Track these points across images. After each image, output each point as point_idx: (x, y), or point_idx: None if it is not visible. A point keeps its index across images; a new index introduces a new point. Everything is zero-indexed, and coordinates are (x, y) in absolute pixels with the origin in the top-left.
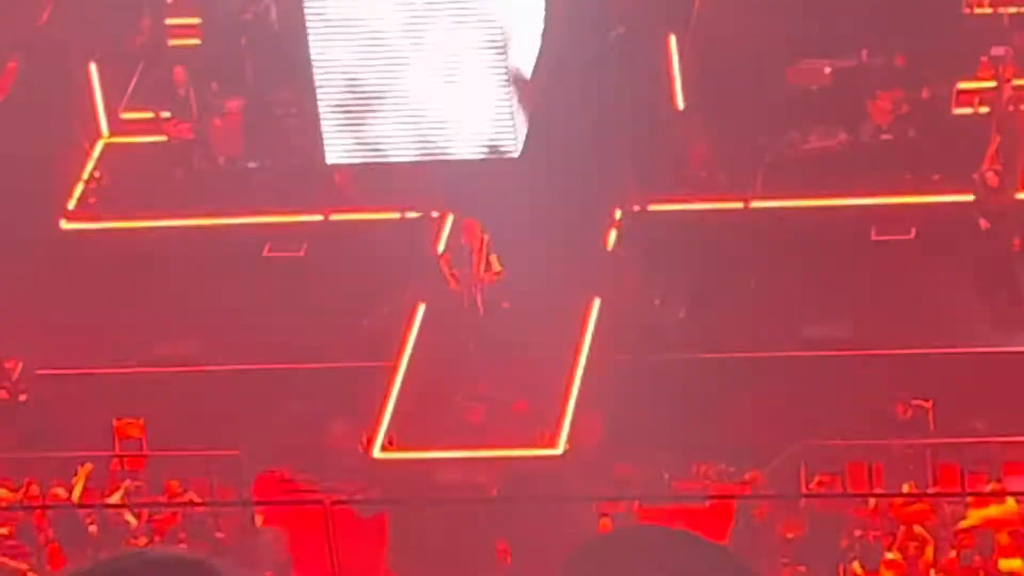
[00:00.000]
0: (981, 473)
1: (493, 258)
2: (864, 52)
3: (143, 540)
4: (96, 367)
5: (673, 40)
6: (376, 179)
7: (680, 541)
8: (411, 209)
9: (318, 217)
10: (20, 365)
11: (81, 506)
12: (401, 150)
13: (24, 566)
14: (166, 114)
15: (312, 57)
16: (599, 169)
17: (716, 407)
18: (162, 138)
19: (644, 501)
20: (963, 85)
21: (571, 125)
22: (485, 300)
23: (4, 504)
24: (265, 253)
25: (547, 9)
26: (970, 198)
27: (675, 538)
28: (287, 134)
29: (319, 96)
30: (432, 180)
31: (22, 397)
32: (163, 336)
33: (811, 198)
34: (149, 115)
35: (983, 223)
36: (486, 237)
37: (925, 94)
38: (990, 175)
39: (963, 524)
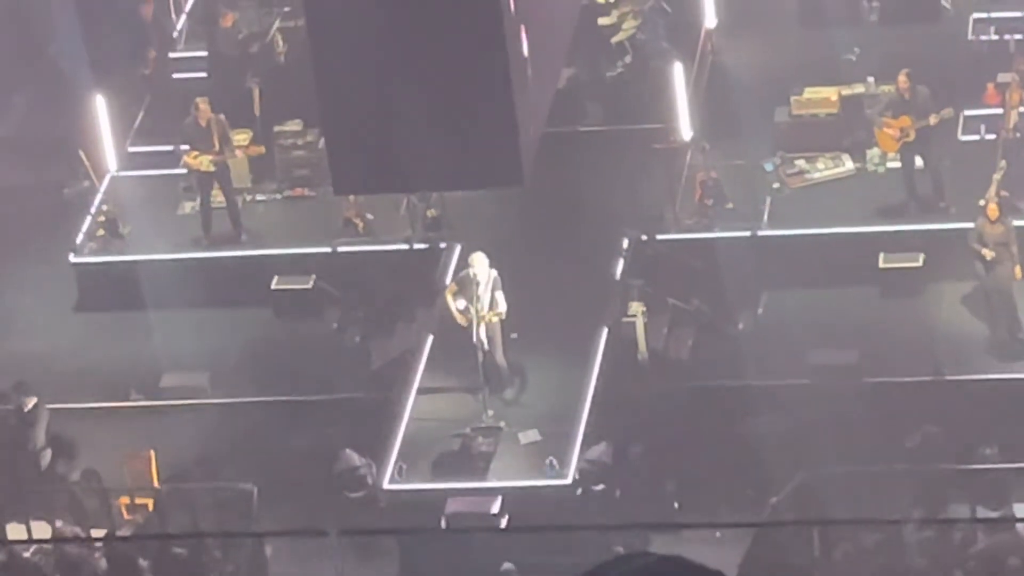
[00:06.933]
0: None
1: (499, 295)
2: (871, 79)
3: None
4: (105, 400)
5: (680, 68)
6: (383, 210)
7: (677, 567)
8: (419, 240)
9: (326, 249)
10: (34, 400)
11: (91, 540)
12: (409, 181)
13: None
14: (185, 147)
15: (318, 89)
16: (606, 198)
17: (724, 435)
18: (168, 171)
19: (654, 530)
20: (969, 112)
21: (578, 154)
22: (490, 334)
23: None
24: (274, 285)
25: (554, 41)
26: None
27: (671, 565)
28: (294, 166)
29: (325, 128)
30: (441, 211)
31: (32, 431)
32: (171, 369)
33: (818, 226)
34: (166, 148)
35: (987, 253)
36: (494, 272)
37: (932, 121)
38: (991, 207)
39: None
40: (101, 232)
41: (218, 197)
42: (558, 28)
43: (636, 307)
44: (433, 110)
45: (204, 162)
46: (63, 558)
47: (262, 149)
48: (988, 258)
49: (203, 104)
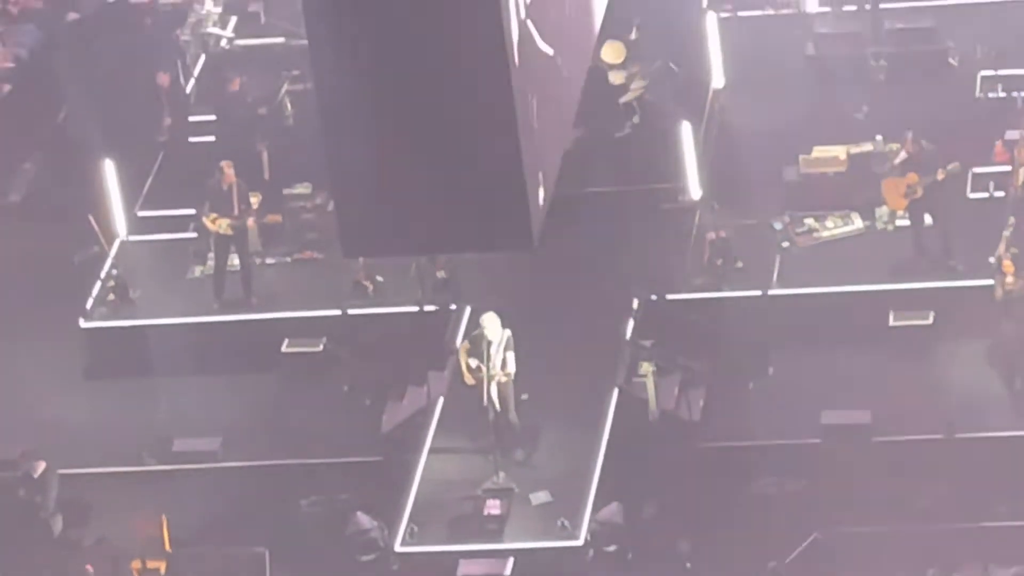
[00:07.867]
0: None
1: (510, 356)
2: (879, 138)
3: None
4: (117, 465)
5: (688, 128)
6: (393, 273)
7: None
8: (429, 302)
9: (336, 311)
10: (43, 465)
11: None
12: (418, 244)
13: None
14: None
15: (327, 152)
16: (616, 259)
17: (736, 496)
18: (177, 235)
19: None
20: (978, 169)
21: (588, 215)
22: (501, 394)
23: None
24: (284, 349)
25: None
26: (987, 282)
27: None
28: (303, 229)
29: (334, 190)
30: (450, 273)
31: (42, 497)
32: (183, 433)
33: (828, 284)
34: (188, 211)
35: (1009, 281)
36: (507, 332)
37: (939, 176)
38: (1006, 262)
39: None
40: (111, 297)
41: (231, 261)
42: (566, 90)
43: (646, 367)
44: (442, 173)
45: (223, 225)
46: None
47: (279, 218)
48: (1008, 283)
49: (228, 168)
